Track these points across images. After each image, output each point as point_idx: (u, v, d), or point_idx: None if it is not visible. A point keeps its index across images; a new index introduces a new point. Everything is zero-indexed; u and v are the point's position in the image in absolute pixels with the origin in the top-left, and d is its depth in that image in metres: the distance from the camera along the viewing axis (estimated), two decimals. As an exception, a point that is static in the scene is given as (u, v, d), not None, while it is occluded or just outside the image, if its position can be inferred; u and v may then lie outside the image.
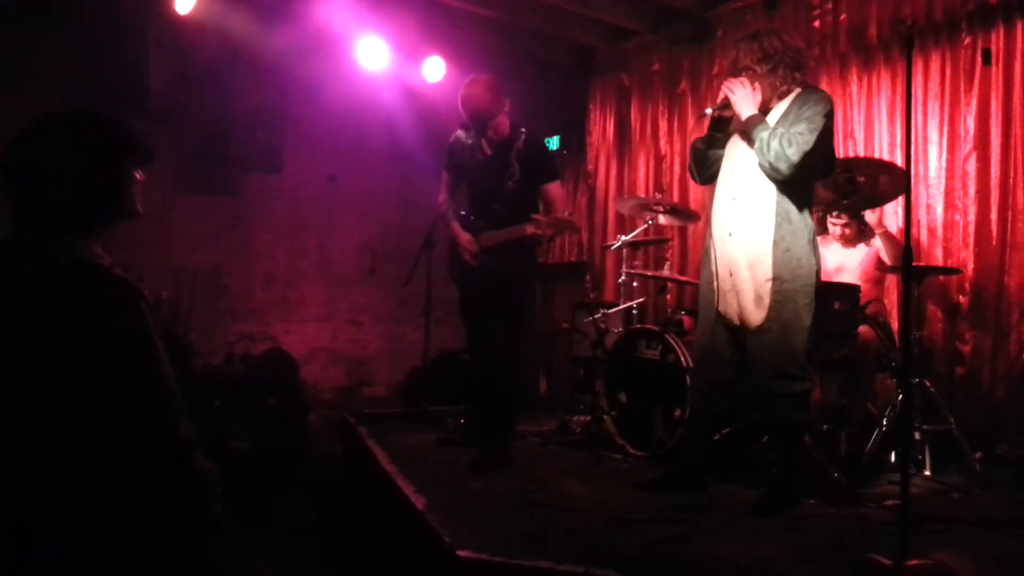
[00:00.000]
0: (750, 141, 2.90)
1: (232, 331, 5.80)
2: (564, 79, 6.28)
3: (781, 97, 2.95)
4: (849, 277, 3.81)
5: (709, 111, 3.09)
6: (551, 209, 3.67)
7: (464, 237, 3.76)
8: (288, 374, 5.40)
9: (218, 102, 5.55)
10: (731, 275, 2.94)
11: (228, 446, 4.35)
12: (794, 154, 2.77)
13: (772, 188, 2.86)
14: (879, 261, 3.90)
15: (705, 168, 3.14)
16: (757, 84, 2.93)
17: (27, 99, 4.43)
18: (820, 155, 2.84)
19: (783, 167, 2.79)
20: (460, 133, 3.84)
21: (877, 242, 3.90)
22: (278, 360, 5.47)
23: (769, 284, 2.83)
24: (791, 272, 2.82)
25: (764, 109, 2.96)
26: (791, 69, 2.92)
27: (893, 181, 3.45)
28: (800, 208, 2.86)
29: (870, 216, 3.87)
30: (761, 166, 2.87)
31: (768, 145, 2.81)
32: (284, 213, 6.10)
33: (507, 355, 3.69)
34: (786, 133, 2.81)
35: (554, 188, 3.76)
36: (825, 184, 3.32)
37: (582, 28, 5.85)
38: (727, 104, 2.99)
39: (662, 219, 4.44)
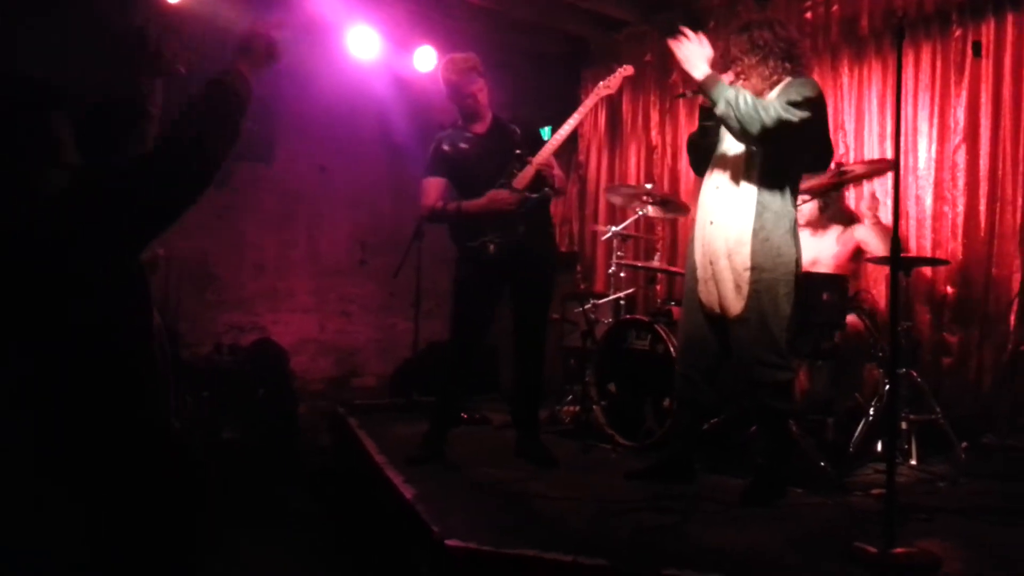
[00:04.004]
0: (713, 104, 2.82)
1: (221, 321, 5.77)
2: (556, 69, 6.25)
3: (772, 87, 2.92)
4: (824, 269, 3.75)
5: (689, 93, 3.17)
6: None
7: (491, 195, 3.34)
8: (277, 365, 5.37)
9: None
10: (711, 264, 2.94)
11: (217, 437, 4.34)
12: (769, 119, 2.68)
13: (754, 177, 2.85)
14: (857, 253, 3.86)
15: (701, 160, 3.12)
16: (744, 72, 2.92)
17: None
18: (804, 141, 2.79)
19: (754, 129, 2.70)
20: (442, 133, 3.56)
21: (859, 233, 3.84)
22: (267, 351, 5.43)
23: (748, 273, 2.82)
24: (770, 262, 2.81)
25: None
26: (781, 59, 2.89)
27: (880, 170, 3.48)
28: (782, 198, 2.85)
29: (864, 209, 3.84)
30: (731, 129, 2.80)
31: (737, 104, 2.73)
32: (274, 203, 6.06)
33: (543, 342, 3.55)
34: (761, 99, 2.77)
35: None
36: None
37: (574, 18, 5.83)
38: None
39: (651, 211, 4.43)
